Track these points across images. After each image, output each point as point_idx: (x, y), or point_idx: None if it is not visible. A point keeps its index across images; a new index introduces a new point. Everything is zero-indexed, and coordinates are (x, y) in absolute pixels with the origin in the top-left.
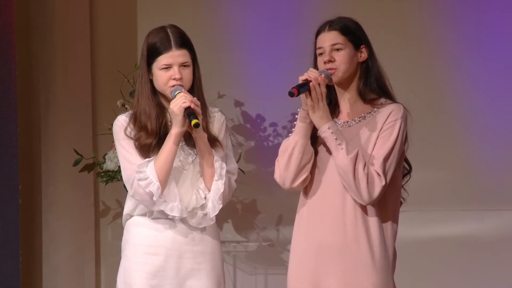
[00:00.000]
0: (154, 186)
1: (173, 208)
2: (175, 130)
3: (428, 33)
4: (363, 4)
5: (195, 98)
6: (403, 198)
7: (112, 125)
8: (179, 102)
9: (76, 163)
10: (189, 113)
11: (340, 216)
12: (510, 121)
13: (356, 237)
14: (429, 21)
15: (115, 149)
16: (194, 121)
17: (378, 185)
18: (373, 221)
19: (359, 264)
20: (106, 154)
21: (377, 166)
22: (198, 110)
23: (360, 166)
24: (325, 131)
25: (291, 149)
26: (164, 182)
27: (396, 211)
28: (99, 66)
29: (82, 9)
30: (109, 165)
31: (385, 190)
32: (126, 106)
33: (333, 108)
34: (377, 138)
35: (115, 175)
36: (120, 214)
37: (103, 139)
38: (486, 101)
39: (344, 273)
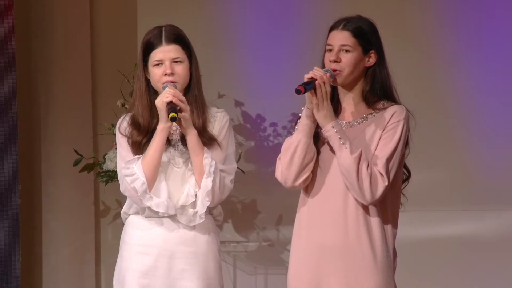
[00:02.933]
0: (139, 182)
1: (159, 204)
2: (160, 126)
3: (429, 33)
4: (363, 4)
5: (179, 93)
6: (401, 203)
7: (112, 125)
8: (162, 97)
9: (76, 163)
10: (170, 107)
11: (342, 216)
12: (510, 121)
13: (358, 237)
14: (429, 21)
15: (115, 148)
16: (171, 115)
17: (381, 185)
18: (374, 221)
19: (361, 264)
20: (106, 154)
21: (380, 166)
22: (182, 105)
23: (363, 166)
24: (329, 130)
25: (294, 147)
26: (151, 178)
27: (396, 212)
28: (99, 66)
29: (82, 9)
30: (109, 165)
31: (387, 190)
32: (126, 106)
33: (335, 106)
34: (379, 139)
35: (115, 175)
36: (120, 214)
37: (103, 139)
38: (486, 101)
39: (346, 273)
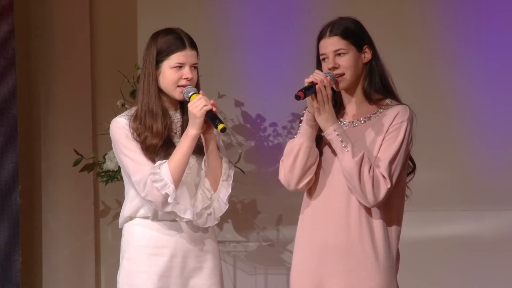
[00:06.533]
0: (170, 188)
1: (186, 211)
2: (193, 132)
3: (429, 33)
4: (363, 4)
5: (213, 100)
6: (406, 196)
7: None
8: (200, 105)
9: (76, 163)
10: (212, 116)
11: (345, 217)
12: (510, 121)
13: (361, 238)
14: (429, 21)
15: None
16: (221, 125)
17: (384, 187)
18: (377, 222)
19: (363, 265)
20: (106, 154)
21: (382, 168)
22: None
23: (365, 169)
24: (331, 133)
25: (296, 151)
26: (178, 184)
27: (400, 212)
28: (99, 66)
29: (82, 9)
30: (109, 165)
31: (390, 192)
32: (126, 106)
33: (338, 109)
34: (382, 140)
35: (115, 175)
36: (120, 214)
37: (103, 139)
38: (486, 101)
39: (348, 274)
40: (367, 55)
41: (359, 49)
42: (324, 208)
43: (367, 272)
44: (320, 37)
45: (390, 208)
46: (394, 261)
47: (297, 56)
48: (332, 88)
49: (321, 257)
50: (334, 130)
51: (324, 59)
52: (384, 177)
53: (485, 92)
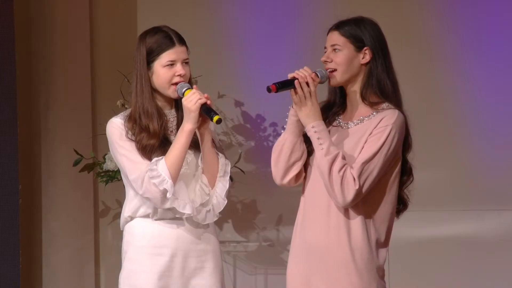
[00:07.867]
0: (168, 184)
1: (186, 205)
2: (189, 127)
3: (428, 33)
4: (363, 4)
5: (207, 94)
6: (406, 203)
7: None
8: (194, 99)
9: (76, 163)
10: (207, 109)
11: (325, 216)
12: (510, 121)
13: (338, 238)
14: (429, 21)
15: None
16: (217, 117)
17: (352, 188)
18: (356, 222)
19: (340, 264)
20: (106, 154)
21: (354, 169)
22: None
23: (336, 168)
24: (309, 130)
25: (280, 146)
26: (175, 179)
27: (385, 214)
28: (99, 66)
29: (82, 9)
30: (109, 165)
31: (361, 194)
32: (126, 106)
33: (342, 106)
34: (365, 142)
35: (115, 175)
36: (120, 214)
37: (103, 139)
38: (486, 101)
39: (329, 273)
40: (366, 57)
41: (358, 49)
42: (312, 207)
43: (344, 273)
44: (329, 30)
45: (370, 210)
46: (376, 261)
47: (297, 56)
48: (340, 86)
49: (307, 256)
50: (313, 127)
51: (325, 52)
52: (354, 178)
53: (485, 92)
